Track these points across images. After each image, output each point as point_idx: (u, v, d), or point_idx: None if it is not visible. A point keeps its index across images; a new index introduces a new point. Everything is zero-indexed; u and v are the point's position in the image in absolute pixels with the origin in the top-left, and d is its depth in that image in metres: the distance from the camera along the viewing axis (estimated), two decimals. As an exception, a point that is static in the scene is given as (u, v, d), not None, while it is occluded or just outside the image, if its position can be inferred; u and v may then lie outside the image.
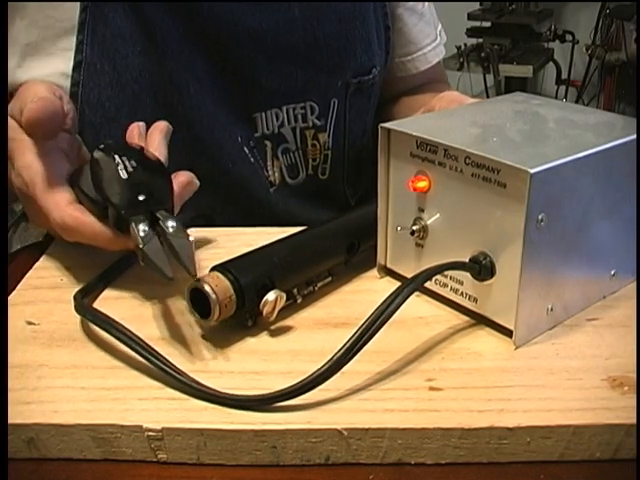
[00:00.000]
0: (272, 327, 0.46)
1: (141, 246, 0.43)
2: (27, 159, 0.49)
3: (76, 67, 0.62)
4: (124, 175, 0.48)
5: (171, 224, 0.44)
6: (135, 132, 0.55)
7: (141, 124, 0.55)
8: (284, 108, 0.69)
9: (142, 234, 0.43)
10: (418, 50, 0.82)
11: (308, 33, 0.68)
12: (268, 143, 0.70)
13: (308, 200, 0.74)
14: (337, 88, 0.72)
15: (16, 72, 0.60)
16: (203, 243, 0.58)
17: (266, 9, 0.66)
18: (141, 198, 0.46)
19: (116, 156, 0.49)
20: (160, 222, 0.45)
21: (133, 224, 0.44)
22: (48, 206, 0.48)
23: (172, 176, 0.51)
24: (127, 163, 0.49)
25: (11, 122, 0.51)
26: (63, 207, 0.47)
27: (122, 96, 0.62)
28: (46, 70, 0.62)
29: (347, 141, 0.75)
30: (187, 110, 0.65)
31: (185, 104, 0.64)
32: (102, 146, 0.51)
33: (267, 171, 0.71)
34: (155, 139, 0.53)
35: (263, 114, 0.69)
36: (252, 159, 0.69)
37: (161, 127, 0.54)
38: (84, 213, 0.47)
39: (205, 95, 0.66)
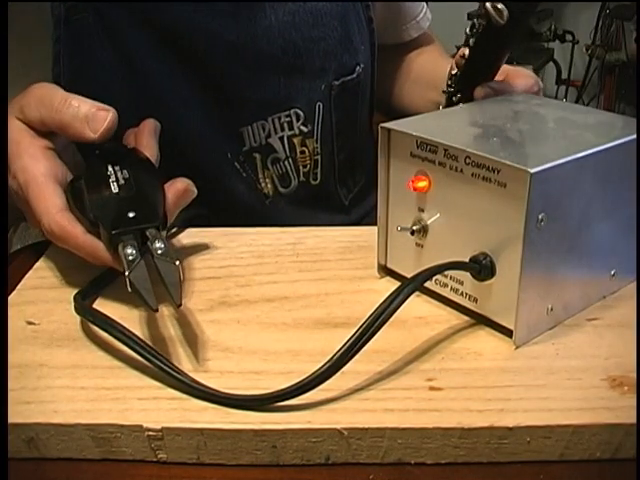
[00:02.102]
0: (272, 327, 0.46)
1: (127, 274, 0.43)
2: (23, 162, 0.49)
3: None
4: (115, 189, 0.48)
5: (159, 246, 0.44)
6: (131, 138, 0.55)
7: (135, 129, 0.55)
8: (269, 119, 0.69)
9: (130, 258, 0.43)
10: (412, 20, 0.86)
11: (286, 40, 0.67)
12: (257, 155, 0.69)
13: (303, 206, 0.73)
14: (320, 92, 0.71)
15: None
16: (203, 244, 0.58)
17: (241, 20, 0.65)
18: (131, 215, 0.46)
19: (109, 166, 0.49)
20: (149, 242, 0.44)
21: (120, 247, 0.44)
22: (39, 210, 0.48)
23: (168, 184, 0.51)
24: (119, 175, 0.49)
25: (17, 123, 0.51)
26: (53, 214, 0.47)
27: None
28: None
29: (336, 144, 0.74)
30: (174, 132, 0.64)
31: (171, 126, 0.64)
32: (97, 152, 0.51)
33: (260, 183, 0.70)
34: (144, 139, 0.54)
35: (249, 127, 0.68)
36: (244, 174, 0.69)
37: (149, 126, 0.54)
38: (71, 223, 0.47)
39: (191, 115, 0.66)
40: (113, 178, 0.48)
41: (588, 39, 2.57)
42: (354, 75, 0.73)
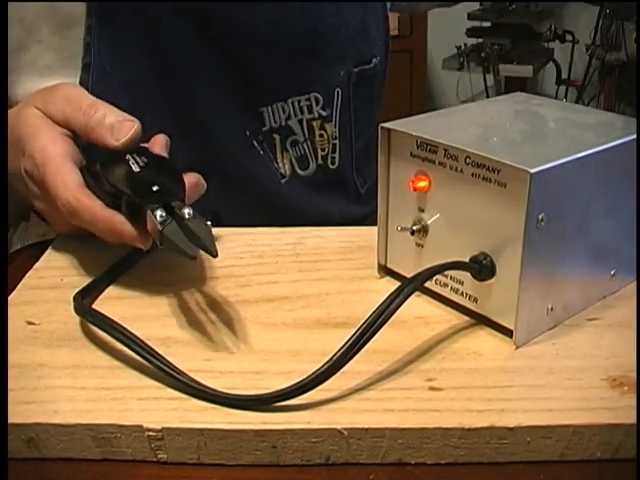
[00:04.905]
0: (272, 327, 0.46)
1: (160, 228, 0.43)
2: (42, 142, 0.50)
3: (85, 68, 0.62)
4: (136, 169, 0.49)
5: (187, 211, 0.45)
6: None
7: (145, 145, 0.56)
8: (289, 101, 0.70)
9: (160, 219, 0.44)
10: None
11: (307, 25, 0.68)
12: (276, 136, 0.70)
13: (319, 190, 0.75)
14: (340, 78, 0.73)
15: (31, 90, 0.60)
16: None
17: (267, 4, 0.66)
18: (155, 189, 0.47)
19: (126, 154, 0.50)
20: (176, 210, 0.45)
21: (149, 210, 0.45)
22: (56, 186, 0.48)
23: None
24: (138, 159, 0.50)
25: (36, 111, 0.53)
26: (71, 189, 0.48)
27: (132, 97, 0.63)
28: None
29: (353, 130, 0.76)
30: (196, 108, 0.66)
31: (194, 102, 0.66)
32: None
33: (277, 163, 0.72)
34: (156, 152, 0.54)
35: (269, 108, 0.69)
36: (262, 152, 0.70)
37: (160, 141, 0.55)
38: (89, 197, 0.48)
39: (213, 92, 0.67)
40: (132, 161, 0.49)
41: (588, 39, 2.56)
42: (371, 65, 0.75)
